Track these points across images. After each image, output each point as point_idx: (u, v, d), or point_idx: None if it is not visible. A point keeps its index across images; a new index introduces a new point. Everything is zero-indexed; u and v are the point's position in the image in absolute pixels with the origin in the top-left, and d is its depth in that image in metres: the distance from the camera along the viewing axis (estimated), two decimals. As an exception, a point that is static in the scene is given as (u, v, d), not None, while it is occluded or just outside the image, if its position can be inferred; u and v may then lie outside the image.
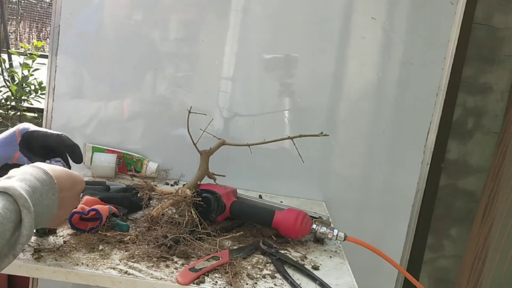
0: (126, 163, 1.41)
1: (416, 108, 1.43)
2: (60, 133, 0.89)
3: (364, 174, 1.48)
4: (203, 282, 0.81)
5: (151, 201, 1.11)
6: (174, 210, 1.02)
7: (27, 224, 0.58)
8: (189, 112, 1.09)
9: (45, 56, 1.89)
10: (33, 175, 0.65)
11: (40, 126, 0.95)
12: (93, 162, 1.37)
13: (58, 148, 0.89)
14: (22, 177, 0.63)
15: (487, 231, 1.66)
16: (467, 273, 1.73)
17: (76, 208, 0.79)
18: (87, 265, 0.81)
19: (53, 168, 0.71)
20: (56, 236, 0.90)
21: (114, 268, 0.81)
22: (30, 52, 2.39)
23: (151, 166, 1.39)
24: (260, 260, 0.93)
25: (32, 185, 0.62)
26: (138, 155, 1.41)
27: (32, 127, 0.88)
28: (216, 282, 0.82)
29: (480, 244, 1.69)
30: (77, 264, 0.81)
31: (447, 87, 1.41)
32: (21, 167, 0.68)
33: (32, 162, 0.77)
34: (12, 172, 0.65)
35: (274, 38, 1.40)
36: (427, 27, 1.38)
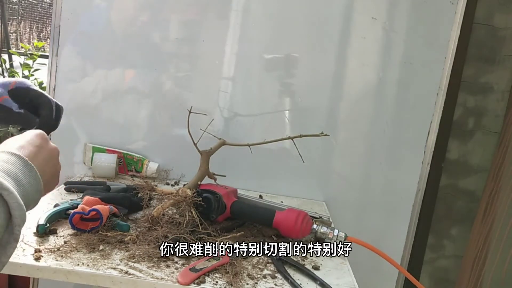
0: (127, 163, 1.41)
1: (416, 108, 1.43)
2: (55, 104, 0.84)
3: (364, 174, 1.48)
4: (204, 282, 0.81)
5: (151, 201, 1.11)
6: (175, 210, 1.02)
7: (14, 204, 0.56)
8: (190, 112, 1.09)
9: (46, 57, 1.89)
10: (1, 159, 0.63)
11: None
12: (93, 162, 1.37)
13: (42, 113, 0.86)
14: None
15: (487, 231, 1.66)
16: (467, 273, 1.73)
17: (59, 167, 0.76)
18: (88, 265, 0.81)
19: (20, 145, 0.67)
20: (57, 236, 0.91)
21: (114, 268, 0.81)
22: (30, 52, 2.38)
23: (152, 166, 1.40)
24: (261, 260, 0.93)
25: (3, 169, 0.61)
26: (138, 155, 1.41)
27: (30, 85, 0.86)
28: (217, 282, 0.82)
29: (480, 244, 1.69)
30: (78, 264, 0.81)
31: (448, 87, 1.41)
32: None
33: (14, 112, 0.78)
34: None
35: (274, 38, 1.40)
36: (427, 27, 1.39)
